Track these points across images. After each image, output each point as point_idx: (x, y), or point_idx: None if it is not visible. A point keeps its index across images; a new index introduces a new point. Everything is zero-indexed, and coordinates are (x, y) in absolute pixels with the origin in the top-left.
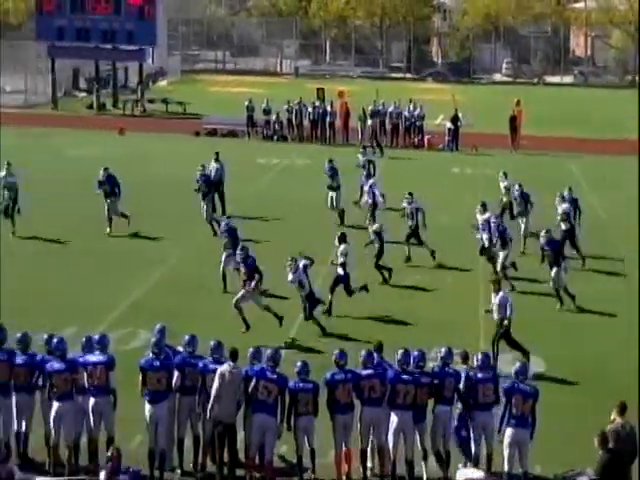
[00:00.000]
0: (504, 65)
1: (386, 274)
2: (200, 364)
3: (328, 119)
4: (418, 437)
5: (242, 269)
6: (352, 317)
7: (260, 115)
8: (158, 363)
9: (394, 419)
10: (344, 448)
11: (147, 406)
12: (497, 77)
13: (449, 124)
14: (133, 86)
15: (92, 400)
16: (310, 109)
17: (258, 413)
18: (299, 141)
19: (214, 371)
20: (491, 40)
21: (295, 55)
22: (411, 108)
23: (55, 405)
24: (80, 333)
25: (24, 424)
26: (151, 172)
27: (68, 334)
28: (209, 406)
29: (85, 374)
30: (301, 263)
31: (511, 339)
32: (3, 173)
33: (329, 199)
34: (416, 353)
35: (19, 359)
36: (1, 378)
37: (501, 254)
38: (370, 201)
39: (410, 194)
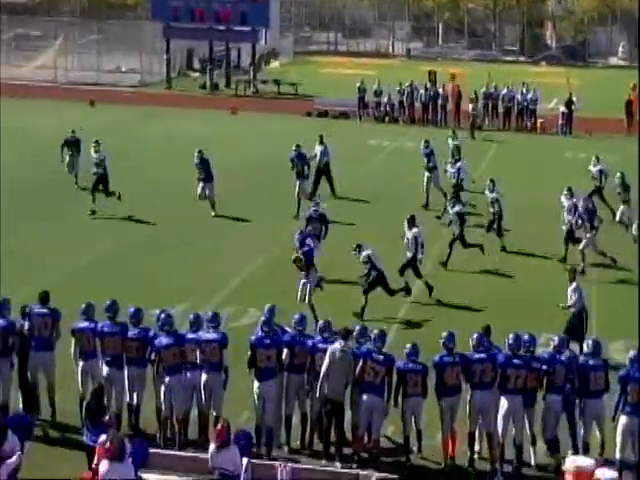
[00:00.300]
0: (620, 49)
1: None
2: (309, 343)
3: (440, 102)
4: (527, 422)
5: (300, 255)
6: (454, 302)
7: (371, 97)
8: (268, 341)
9: (504, 403)
10: (450, 430)
11: (256, 383)
12: (613, 61)
13: (563, 108)
14: (246, 67)
15: (204, 376)
16: (422, 91)
17: (365, 394)
18: (410, 123)
19: (323, 350)
20: (607, 23)
21: (407, 37)
22: (524, 91)
23: (165, 379)
24: (191, 310)
25: (135, 396)
26: (262, 152)
27: (179, 311)
28: (318, 384)
29: (197, 351)
30: (365, 252)
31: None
32: (92, 151)
33: (425, 180)
34: (527, 337)
35: (131, 333)
36: (114, 351)
37: (585, 237)
38: (454, 181)
39: (492, 182)
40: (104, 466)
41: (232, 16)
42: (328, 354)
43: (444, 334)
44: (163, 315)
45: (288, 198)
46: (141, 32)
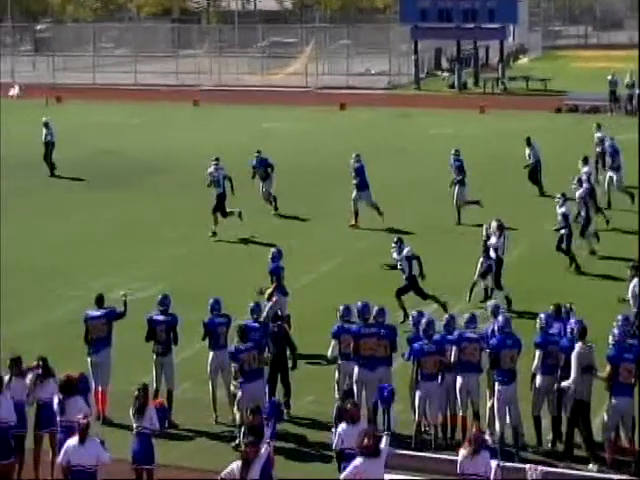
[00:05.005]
0: None
1: (569, 260)
2: (563, 342)
3: None
4: None
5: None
6: None
7: (623, 90)
8: (510, 342)
9: None
10: None
11: (497, 386)
12: None
13: None
14: (494, 64)
15: (459, 379)
16: None
17: (618, 396)
18: None
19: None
20: None
21: None
22: None
23: (422, 385)
24: (440, 311)
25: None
26: (509, 150)
27: (430, 312)
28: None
29: (453, 351)
30: (405, 250)
31: None
32: (211, 170)
33: (607, 179)
34: None
35: (382, 331)
36: (366, 352)
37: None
38: (586, 186)
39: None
40: (358, 462)
41: (480, 13)
42: (574, 354)
43: None
44: (425, 320)
45: (529, 197)
46: (390, 34)
